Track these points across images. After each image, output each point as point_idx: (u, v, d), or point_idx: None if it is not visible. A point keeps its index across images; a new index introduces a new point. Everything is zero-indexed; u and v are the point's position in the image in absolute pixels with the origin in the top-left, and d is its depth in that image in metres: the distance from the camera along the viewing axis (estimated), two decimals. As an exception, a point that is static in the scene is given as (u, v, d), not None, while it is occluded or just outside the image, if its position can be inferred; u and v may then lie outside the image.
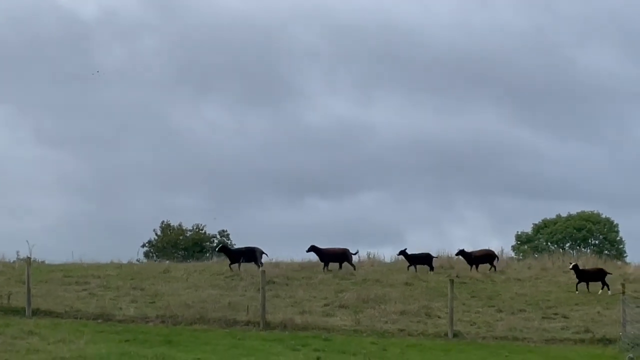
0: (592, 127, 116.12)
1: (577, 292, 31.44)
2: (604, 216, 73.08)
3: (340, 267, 35.41)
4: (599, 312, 27.79)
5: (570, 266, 33.20)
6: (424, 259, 36.38)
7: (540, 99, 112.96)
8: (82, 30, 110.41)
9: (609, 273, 32.56)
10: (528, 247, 70.67)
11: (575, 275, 32.35)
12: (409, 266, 35.99)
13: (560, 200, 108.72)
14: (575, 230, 71.37)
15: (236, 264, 34.83)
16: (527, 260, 42.24)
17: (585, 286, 31.88)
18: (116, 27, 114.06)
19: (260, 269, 33.72)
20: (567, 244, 70.88)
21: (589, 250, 63.27)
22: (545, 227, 73.74)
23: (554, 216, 74.46)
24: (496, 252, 37.65)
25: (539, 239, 73.33)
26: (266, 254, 35.71)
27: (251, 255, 35.25)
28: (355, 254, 36.56)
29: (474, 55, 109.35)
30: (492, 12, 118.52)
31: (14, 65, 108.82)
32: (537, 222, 74.96)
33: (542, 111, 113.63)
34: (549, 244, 70.91)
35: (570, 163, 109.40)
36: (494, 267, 36.20)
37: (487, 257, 36.73)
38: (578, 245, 70.00)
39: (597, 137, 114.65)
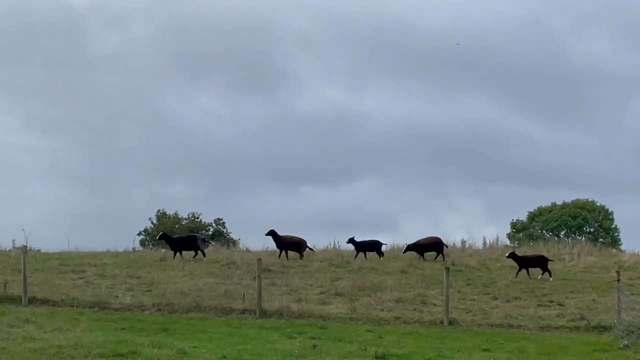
0: (586, 115, 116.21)
1: (515, 278, 31.63)
2: (598, 204, 73.19)
3: (295, 255, 35.38)
4: (594, 300, 27.87)
5: (507, 255, 33.33)
6: (372, 246, 36.33)
7: (534, 86, 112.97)
8: (73, 16, 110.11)
9: (550, 260, 32.83)
10: (523, 235, 70.75)
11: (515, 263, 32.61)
12: (356, 255, 35.91)
13: (555, 188, 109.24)
14: (570, 218, 71.46)
15: (178, 253, 34.75)
16: (522, 248, 42.22)
17: (526, 272, 32.05)
18: (108, 14, 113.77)
19: (204, 257, 34.10)
20: (562, 232, 70.97)
21: (584, 238, 63.35)
22: (540, 215, 73.82)
23: (549, 204, 74.59)
24: (443, 240, 37.10)
25: (534, 227, 73.43)
26: (210, 242, 35.66)
27: (192, 243, 35.12)
28: (311, 249, 36.42)
29: (468, 42, 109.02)
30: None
31: (5, 52, 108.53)
32: (532, 210, 75.10)
33: (536, 98, 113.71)
34: (544, 232, 71.03)
35: (565, 150, 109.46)
36: (442, 255, 35.95)
37: (433, 245, 36.40)
38: (573, 233, 70.12)
39: (591, 125, 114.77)
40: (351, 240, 36.51)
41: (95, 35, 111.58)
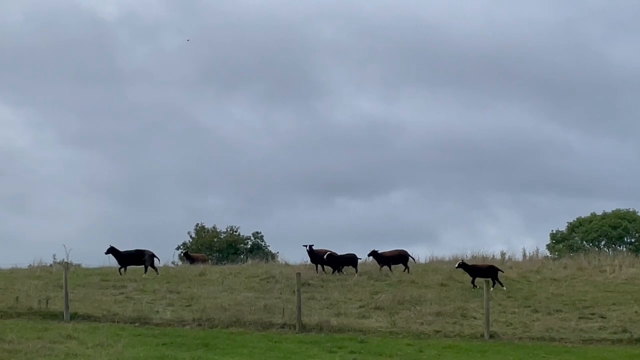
0: (624, 122, 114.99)
1: (473, 288, 31.56)
2: (639, 214, 72.44)
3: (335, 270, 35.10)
4: (636, 312, 27.52)
5: (456, 265, 33.10)
6: (348, 260, 35.66)
7: (570, 93, 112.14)
8: (103, 30, 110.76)
9: (500, 270, 32.57)
10: (563, 246, 70.22)
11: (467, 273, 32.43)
12: (333, 271, 35.23)
13: (595, 198, 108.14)
14: (610, 229, 70.81)
15: (125, 267, 34.39)
16: (562, 260, 41.87)
17: (472, 282, 31.95)
18: (137, 27, 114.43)
19: (156, 273, 33.98)
20: (603, 243, 70.32)
21: (625, 249, 62.72)
22: (580, 225, 73.23)
23: (588, 214, 73.98)
24: (409, 252, 36.61)
25: (574, 238, 72.84)
26: (158, 258, 35.44)
27: (140, 257, 34.63)
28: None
29: (502, 50, 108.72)
30: (519, 6, 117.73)
31: (37, 67, 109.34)
32: (571, 221, 74.51)
33: (573, 106, 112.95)
34: (584, 242, 70.43)
35: (603, 159, 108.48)
36: (407, 267, 35.45)
37: (399, 257, 35.96)
38: (614, 244, 69.46)
39: (629, 132, 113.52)
40: (329, 256, 35.73)
41: (126, 48, 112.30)
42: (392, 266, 35.72)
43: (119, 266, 34.65)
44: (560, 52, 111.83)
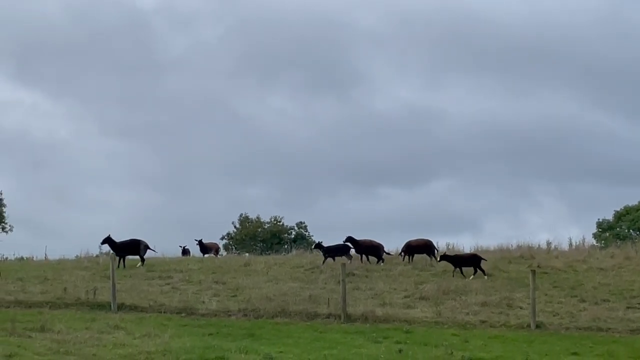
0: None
1: (453, 277, 31.35)
2: (688, 202, 71.42)
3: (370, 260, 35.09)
4: (685, 302, 27.24)
5: (438, 259, 33.06)
6: (340, 251, 35.43)
7: (614, 80, 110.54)
8: (141, 20, 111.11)
9: (483, 258, 32.32)
10: (610, 234, 69.42)
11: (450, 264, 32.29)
12: (324, 260, 34.80)
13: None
14: (658, 217, 69.87)
15: (121, 257, 34.29)
16: (609, 249, 41.38)
17: (460, 272, 31.78)
18: (175, 17, 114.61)
19: (143, 264, 34.06)
20: (650, 231, 69.42)
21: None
22: (627, 213, 72.29)
23: (635, 202, 73.02)
24: (435, 244, 36.26)
25: (621, 226, 71.96)
26: (153, 249, 35.55)
27: (135, 248, 34.61)
28: (388, 253, 36.04)
29: (545, 36, 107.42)
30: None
31: (76, 58, 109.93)
32: (618, 209, 73.61)
33: (617, 93, 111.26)
34: (631, 231, 69.58)
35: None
36: (435, 257, 34.97)
37: (425, 247, 35.71)
38: (662, 233, 68.56)
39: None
40: (318, 246, 36.01)
41: (164, 38, 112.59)
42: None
43: (116, 256, 34.32)
44: (605, 39, 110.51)
